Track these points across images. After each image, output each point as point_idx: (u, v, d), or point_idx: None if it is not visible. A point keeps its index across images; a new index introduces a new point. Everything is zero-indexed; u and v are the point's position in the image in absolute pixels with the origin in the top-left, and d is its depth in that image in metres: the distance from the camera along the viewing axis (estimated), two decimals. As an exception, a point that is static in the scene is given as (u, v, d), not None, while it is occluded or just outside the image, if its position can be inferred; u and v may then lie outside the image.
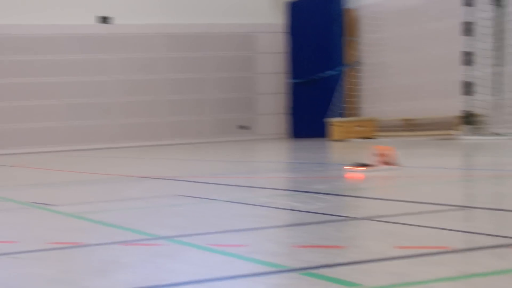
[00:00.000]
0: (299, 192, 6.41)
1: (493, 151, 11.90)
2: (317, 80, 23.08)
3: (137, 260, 3.53)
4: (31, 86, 22.81)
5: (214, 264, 3.37)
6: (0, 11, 22.59)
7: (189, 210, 5.53)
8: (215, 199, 6.11)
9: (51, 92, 22.97)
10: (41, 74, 22.88)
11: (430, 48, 19.82)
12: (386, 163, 7.80)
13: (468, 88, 16.78)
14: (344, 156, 12.78)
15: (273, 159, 13.15)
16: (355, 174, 7.50)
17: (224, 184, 7.25)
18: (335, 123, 19.81)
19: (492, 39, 17.49)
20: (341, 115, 21.49)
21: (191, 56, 24.52)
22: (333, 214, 4.84)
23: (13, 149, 22.31)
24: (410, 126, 20.18)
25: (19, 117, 22.67)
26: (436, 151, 12.21)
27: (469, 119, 16.66)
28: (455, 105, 18.15)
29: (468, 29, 16.76)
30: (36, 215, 5.67)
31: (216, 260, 3.47)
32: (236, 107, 25.07)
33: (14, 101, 22.60)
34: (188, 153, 16.93)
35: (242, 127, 25.05)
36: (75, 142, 23.15)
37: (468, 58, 16.67)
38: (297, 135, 24.14)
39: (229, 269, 3.23)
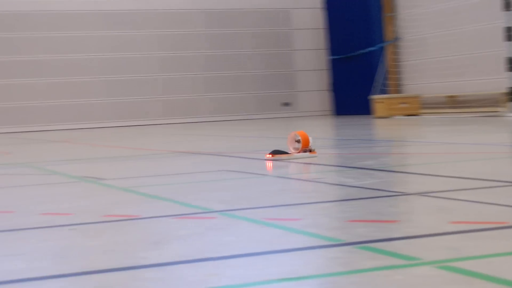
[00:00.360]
0: (348, 168, 6.40)
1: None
2: (358, 56, 22.93)
3: (191, 233, 3.57)
4: (70, 63, 22.99)
5: (268, 238, 3.38)
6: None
7: (239, 184, 5.56)
8: (263, 174, 6.13)
9: (89, 68, 23.13)
10: (79, 50, 23.04)
11: (470, 23, 19.56)
12: (305, 149, 7.26)
13: (511, 64, 16.54)
14: (389, 133, 12.73)
15: (318, 135, 13.14)
16: (274, 162, 6.98)
17: (271, 160, 7.26)
18: (379, 100, 19.70)
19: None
20: (384, 92, 21.36)
21: (229, 32, 24.49)
22: (384, 189, 4.83)
23: (54, 126, 22.55)
24: (455, 103, 19.99)
25: (58, 93, 22.89)
26: (482, 128, 12.10)
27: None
28: (500, 82, 17.93)
29: (508, 3, 16.48)
30: (88, 189, 5.75)
31: (271, 233, 3.48)
32: (277, 83, 25.04)
33: (51, 78, 22.81)
34: (231, 129, 16.98)
35: (284, 104, 25.02)
36: (114, 118, 23.32)
37: (509, 34, 16.40)
38: (340, 112, 24.05)
39: (285, 242, 3.24)
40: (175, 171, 6.98)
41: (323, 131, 14.86)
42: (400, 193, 4.71)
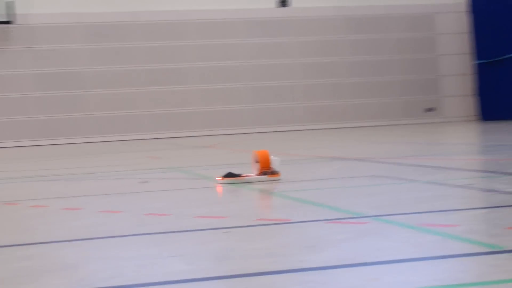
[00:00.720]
0: (500, 174, 6.22)
1: None
2: (505, 60, 22.28)
3: (346, 238, 3.56)
4: (220, 70, 23.45)
5: (426, 243, 3.33)
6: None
7: (390, 190, 5.50)
8: (413, 180, 6.04)
9: (236, 75, 23.51)
10: (225, 58, 23.44)
11: None
12: (265, 171, 6.41)
13: None
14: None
15: (465, 141, 12.84)
16: (223, 186, 6.30)
17: (419, 165, 7.16)
18: (528, 105, 19.03)
19: None
20: (533, 96, 20.66)
21: (371, 38, 24.32)
22: (543, 196, 4.66)
23: (198, 132, 23.05)
24: None
25: (204, 100, 23.37)
26: None
27: None
28: None
29: None
30: (238, 193, 5.83)
31: (428, 239, 3.43)
32: (420, 89, 24.66)
33: (197, 85, 23.32)
34: (374, 134, 16.84)
35: (428, 109, 24.61)
36: (256, 124, 23.60)
37: None
38: (486, 117, 23.43)
39: (443, 249, 3.18)
40: (323, 176, 6.98)
41: (469, 136, 14.52)
42: (560, 200, 4.54)
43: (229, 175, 6.45)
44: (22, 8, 22.10)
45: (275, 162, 6.46)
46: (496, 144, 10.84)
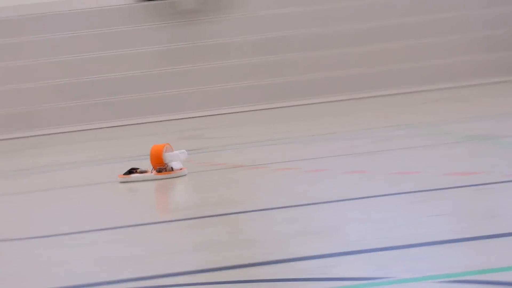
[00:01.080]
0: None
1: None
2: None
3: None
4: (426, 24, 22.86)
5: None
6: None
7: None
8: None
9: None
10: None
11: None
12: (159, 168, 5.76)
13: None
14: None
15: None
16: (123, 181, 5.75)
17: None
18: None
19: None
20: None
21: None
22: None
23: (414, 87, 22.58)
24: None
25: (418, 55, 22.87)
26: None
27: None
28: None
29: None
30: (485, 148, 5.64)
31: None
32: None
33: (409, 40, 22.86)
34: None
35: None
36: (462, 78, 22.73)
37: None
38: None
39: None
40: None
41: None
42: None
43: (130, 172, 5.88)
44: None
45: (171, 157, 5.83)
46: None
